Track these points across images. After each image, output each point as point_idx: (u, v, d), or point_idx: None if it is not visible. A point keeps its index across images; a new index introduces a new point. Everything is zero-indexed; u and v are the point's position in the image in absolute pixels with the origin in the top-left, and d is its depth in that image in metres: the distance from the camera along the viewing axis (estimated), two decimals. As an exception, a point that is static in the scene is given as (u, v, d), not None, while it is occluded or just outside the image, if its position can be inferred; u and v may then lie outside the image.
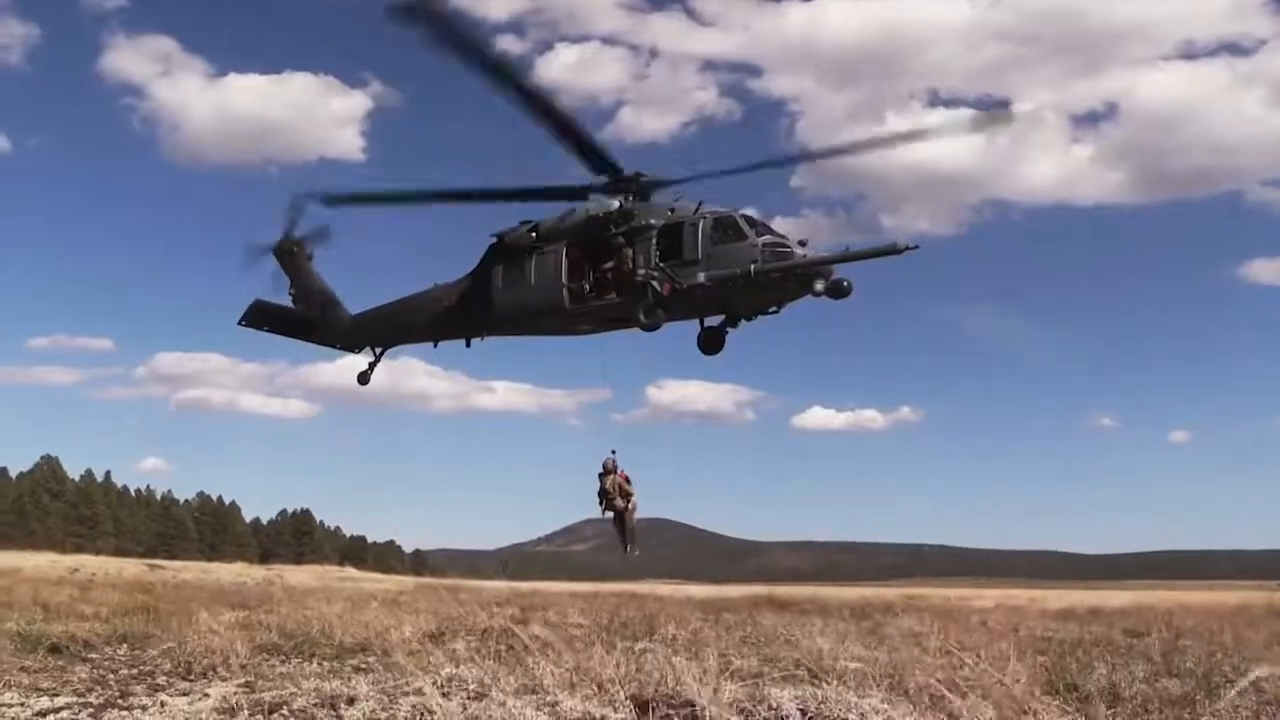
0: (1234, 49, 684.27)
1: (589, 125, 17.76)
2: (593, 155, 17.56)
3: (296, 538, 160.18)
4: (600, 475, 18.58)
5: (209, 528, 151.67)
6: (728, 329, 18.02)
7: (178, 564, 73.48)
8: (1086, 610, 24.66)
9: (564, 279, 17.86)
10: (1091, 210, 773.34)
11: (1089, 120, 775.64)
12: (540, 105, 16.68)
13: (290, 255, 22.34)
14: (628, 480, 18.62)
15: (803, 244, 16.51)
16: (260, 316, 21.93)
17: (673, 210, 17.43)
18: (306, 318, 22.03)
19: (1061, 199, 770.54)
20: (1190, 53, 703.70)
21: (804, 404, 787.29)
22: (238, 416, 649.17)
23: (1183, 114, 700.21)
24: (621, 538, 18.94)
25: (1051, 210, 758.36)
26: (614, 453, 18.74)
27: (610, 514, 18.57)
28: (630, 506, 18.56)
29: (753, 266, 16.17)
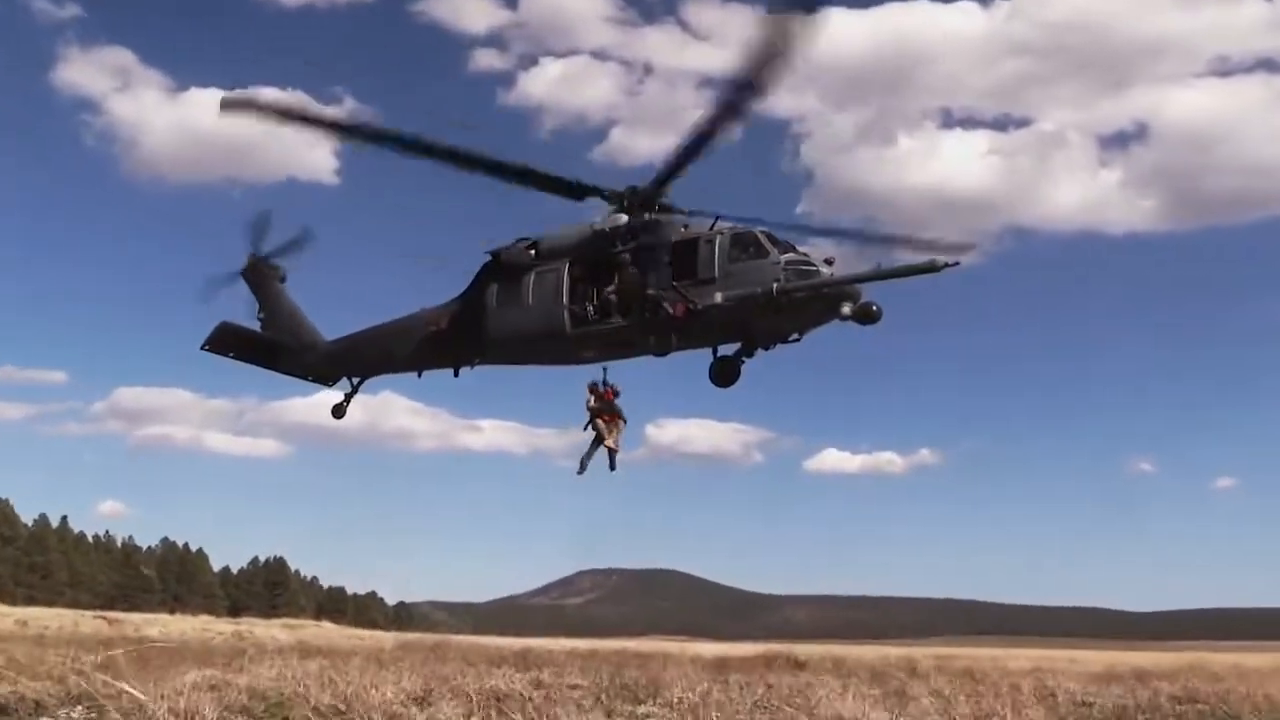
0: (1271, 65, 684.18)
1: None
2: (567, 190, 17.57)
3: (269, 588, 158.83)
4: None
5: (173, 577, 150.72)
6: (744, 359, 17.85)
7: (139, 617, 73.09)
8: (1130, 673, 24.45)
9: (566, 300, 17.69)
10: (1123, 239, 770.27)
11: (1117, 142, 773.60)
12: (459, 160, 16.76)
13: (259, 276, 22.31)
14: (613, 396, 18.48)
15: (829, 263, 16.41)
16: (226, 341, 21.75)
17: (686, 226, 17.35)
18: (276, 343, 21.90)
19: (1089, 226, 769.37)
20: (1224, 69, 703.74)
21: (816, 445, 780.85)
22: (204, 456, 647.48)
23: (1217, 134, 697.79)
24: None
25: (1079, 238, 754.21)
26: (604, 369, 18.54)
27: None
28: (600, 424, 18.39)
29: (775, 285, 16.01)
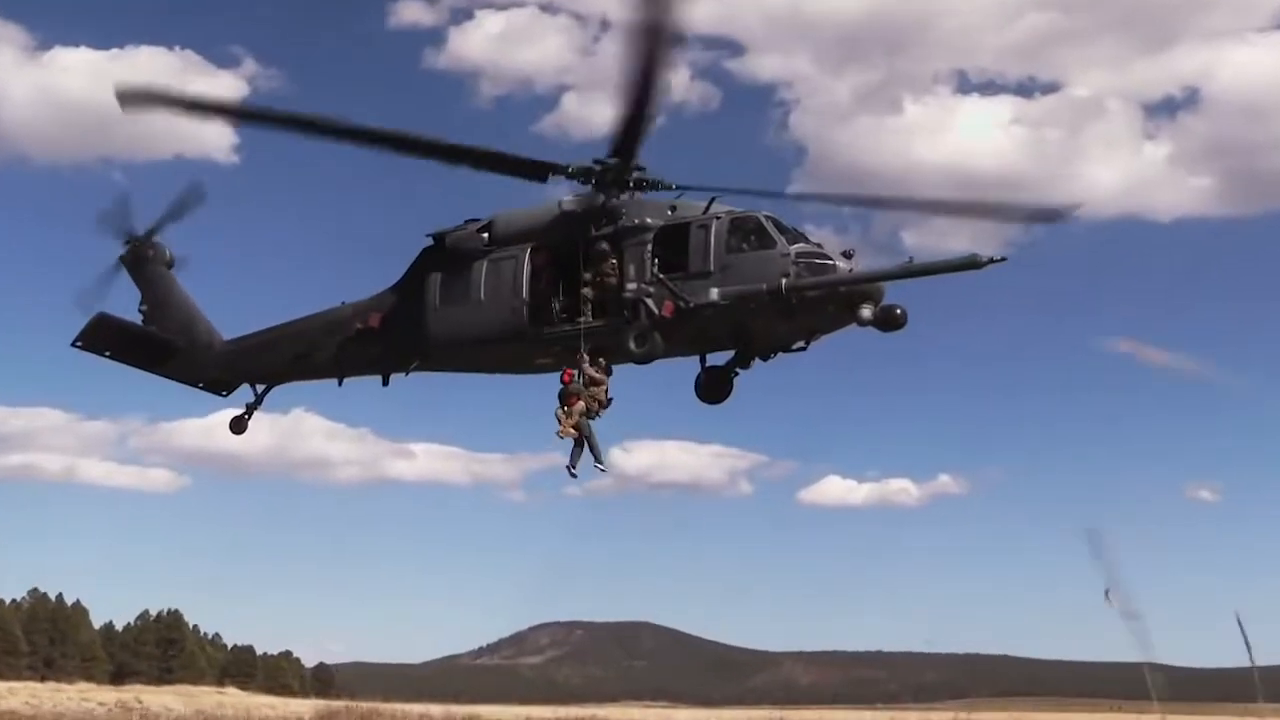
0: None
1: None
2: (521, 169, 17.43)
3: (162, 648, 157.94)
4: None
5: (45, 636, 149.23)
6: (737, 370, 17.68)
7: (2, 686, 72.16)
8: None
9: (525, 294, 17.53)
10: (1172, 225, 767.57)
11: (1164, 110, 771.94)
12: (395, 143, 16.65)
13: (142, 260, 21.97)
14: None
15: (847, 256, 16.24)
16: (101, 336, 21.43)
17: (675, 208, 17.17)
18: (164, 341, 21.59)
19: (1133, 211, 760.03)
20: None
21: (816, 472, 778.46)
22: (79, 490, 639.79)
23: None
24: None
25: (1121, 225, 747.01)
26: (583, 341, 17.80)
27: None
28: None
29: (783, 282, 15.89)
